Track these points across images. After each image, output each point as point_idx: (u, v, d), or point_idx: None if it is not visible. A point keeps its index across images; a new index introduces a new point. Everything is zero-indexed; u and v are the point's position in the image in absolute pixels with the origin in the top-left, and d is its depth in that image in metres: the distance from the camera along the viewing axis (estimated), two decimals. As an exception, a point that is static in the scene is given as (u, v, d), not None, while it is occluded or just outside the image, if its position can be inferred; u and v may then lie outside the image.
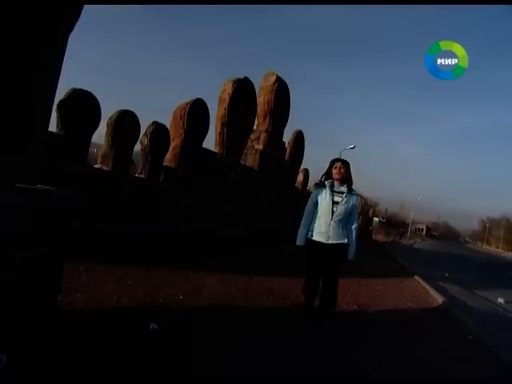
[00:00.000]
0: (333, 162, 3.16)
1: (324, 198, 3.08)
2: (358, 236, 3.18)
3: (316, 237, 3.09)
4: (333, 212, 3.03)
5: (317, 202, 3.14)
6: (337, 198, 3.05)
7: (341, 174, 3.07)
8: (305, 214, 3.20)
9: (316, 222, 3.11)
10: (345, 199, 3.05)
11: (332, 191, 3.08)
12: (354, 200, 3.12)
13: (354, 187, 3.23)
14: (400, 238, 33.47)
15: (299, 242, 3.17)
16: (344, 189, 3.09)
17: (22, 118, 2.02)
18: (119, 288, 3.15)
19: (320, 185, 3.16)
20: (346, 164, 3.13)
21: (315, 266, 3.15)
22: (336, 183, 3.12)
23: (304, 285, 3.29)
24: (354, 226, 3.15)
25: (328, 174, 3.16)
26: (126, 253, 4.24)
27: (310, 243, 3.12)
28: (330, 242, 3.05)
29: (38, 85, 2.09)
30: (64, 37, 2.23)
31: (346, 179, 3.13)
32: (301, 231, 3.18)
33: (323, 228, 3.06)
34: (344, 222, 3.08)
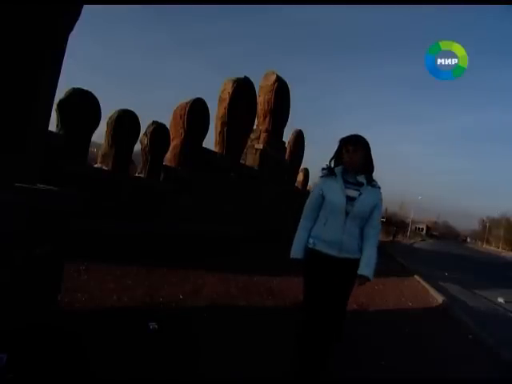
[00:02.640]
0: (345, 141, 2.13)
1: (334, 192, 2.09)
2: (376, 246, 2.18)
3: (322, 247, 2.08)
4: (347, 212, 2.06)
5: (323, 197, 2.14)
6: (351, 193, 2.09)
7: (357, 159, 2.09)
8: (305, 213, 2.20)
9: (322, 226, 2.11)
10: (363, 194, 2.08)
11: (344, 181, 2.11)
12: (375, 196, 2.13)
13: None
14: (394, 238, 28.66)
15: (295, 253, 2.13)
16: (361, 179, 2.11)
17: (21, 117, 2.02)
18: (119, 288, 3.15)
19: (328, 172, 2.16)
20: (364, 145, 2.12)
21: (320, 292, 2.08)
22: (349, 171, 2.13)
23: (302, 319, 2.13)
24: (374, 233, 2.16)
25: (338, 158, 2.17)
26: (126, 252, 4.24)
27: (313, 256, 2.10)
28: (342, 255, 2.05)
29: (38, 84, 2.09)
30: (64, 36, 2.23)
31: (365, 167, 2.13)
32: (298, 238, 2.16)
33: (333, 235, 2.07)
34: (361, 227, 2.13)
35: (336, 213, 2.07)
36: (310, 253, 2.11)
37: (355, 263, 2.08)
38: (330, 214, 2.10)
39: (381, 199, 2.16)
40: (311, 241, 2.12)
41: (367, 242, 2.13)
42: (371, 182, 2.13)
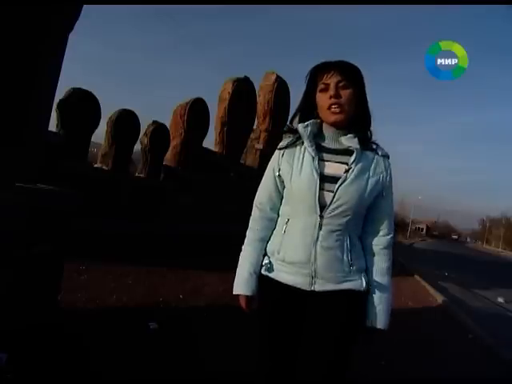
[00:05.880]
0: (320, 68, 1.14)
1: (299, 168, 1.12)
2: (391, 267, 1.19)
3: (280, 272, 1.15)
4: (322, 205, 1.08)
5: (282, 182, 1.17)
6: (332, 168, 1.11)
7: (345, 101, 1.09)
8: (254, 215, 1.24)
9: (280, 234, 1.17)
10: (356, 169, 1.09)
11: (319, 148, 1.13)
12: (380, 171, 1.13)
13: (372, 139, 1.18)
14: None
15: (240, 286, 1.19)
16: (351, 142, 1.12)
17: (21, 117, 2.02)
18: (119, 287, 3.16)
19: (289, 136, 1.20)
20: (356, 76, 1.13)
21: (284, 360, 1.18)
22: (328, 128, 1.15)
23: None
24: (384, 243, 1.18)
25: (309, 109, 1.18)
26: (126, 252, 4.24)
27: (268, 290, 1.18)
28: (318, 287, 1.11)
29: (38, 84, 2.09)
30: (64, 36, 2.23)
31: (357, 118, 1.14)
32: (244, 259, 1.21)
33: (299, 249, 1.11)
34: (353, 229, 1.14)
35: (302, 207, 1.11)
36: (264, 283, 1.17)
37: (347, 300, 1.10)
38: (294, 211, 1.14)
39: (390, 177, 1.14)
40: (266, 261, 1.17)
41: (375, 264, 1.15)
42: (368, 145, 1.13)
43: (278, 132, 9.71)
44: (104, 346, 2.09)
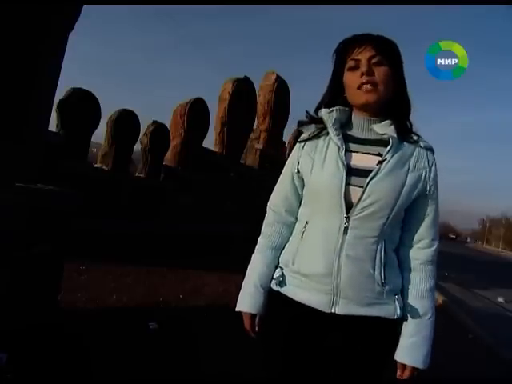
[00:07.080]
0: (349, 43, 0.92)
1: (322, 161, 0.91)
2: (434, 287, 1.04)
3: (294, 288, 0.93)
4: (348, 203, 0.87)
5: (302, 179, 0.97)
6: (362, 160, 0.90)
7: (381, 80, 0.88)
8: (267, 219, 1.05)
9: (298, 240, 0.95)
10: (392, 159, 0.87)
11: (347, 138, 0.93)
12: (423, 163, 0.92)
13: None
14: None
15: (245, 304, 0.99)
16: (386, 129, 0.90)
17: (21, 117, 2.02)
18: (119, 287, 3.16)
19: (311, 127, 0.98)
20: (387, 51, 0.90)
21: None
22: (358, 116, 0.94)
23: None
24: (426, 257, 0.97)
25: (335, 92, 0.97)
26: (126, 252, 4.24)
27: (280, 310, 0.96)
28: (339, 309, 0.88)
29: (38, 84, 2.09)
30: (64, 36, 2.23)
31: (394, 103, 0.93)
32: (252, 270, 1.00)
33: (318, 259, 0.89)
34: (389, 237, 0.91)
35: (324, 206, 0.91)
36: (274, 301, 0.98)
37: (375, 332, 0.91)
38: (314, 212, 0.94)
39: (435, 175, 0.94)
40: (278, 274, 0.97)
41: (412, 284, 0.97)
42: (409, 136, 0.93)
43: (278, 132, 9.72)
44: (104, 346, 2.09)
